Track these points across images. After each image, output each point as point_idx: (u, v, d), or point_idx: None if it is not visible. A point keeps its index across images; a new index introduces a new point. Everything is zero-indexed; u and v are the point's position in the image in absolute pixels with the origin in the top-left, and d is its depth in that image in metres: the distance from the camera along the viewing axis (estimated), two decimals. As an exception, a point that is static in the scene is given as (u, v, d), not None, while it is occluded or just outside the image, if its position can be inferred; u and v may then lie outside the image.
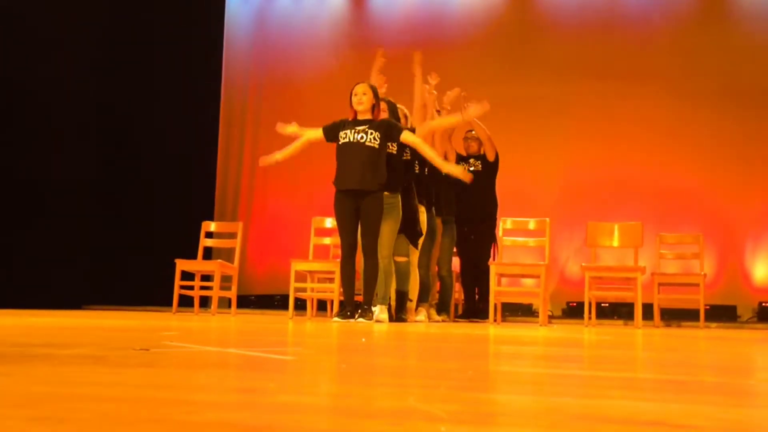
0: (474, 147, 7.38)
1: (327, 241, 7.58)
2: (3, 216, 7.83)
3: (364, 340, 3.42)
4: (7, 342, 2.63)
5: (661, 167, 8.81)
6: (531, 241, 7.15)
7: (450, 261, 7.08)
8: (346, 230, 5.81)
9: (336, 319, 5.74)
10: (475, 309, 7.18)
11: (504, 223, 7.12)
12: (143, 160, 9.51)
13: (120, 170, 9.40)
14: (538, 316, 7.04)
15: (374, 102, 5.87)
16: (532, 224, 7.11)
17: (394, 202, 5.91)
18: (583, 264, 7.01)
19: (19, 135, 8.06)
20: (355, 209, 5.74)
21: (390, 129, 5.80)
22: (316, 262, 7.19)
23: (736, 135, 8.71)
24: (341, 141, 5.79)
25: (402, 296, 6.23)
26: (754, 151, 8.68)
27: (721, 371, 2.27)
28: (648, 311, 6.88)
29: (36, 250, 8.06)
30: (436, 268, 6.94)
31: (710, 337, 4.83)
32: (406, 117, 6.60)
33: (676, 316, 7.66)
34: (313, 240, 7.50)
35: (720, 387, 1.77)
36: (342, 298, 6.11)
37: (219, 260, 7.49)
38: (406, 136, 5.75)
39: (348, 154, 5.72)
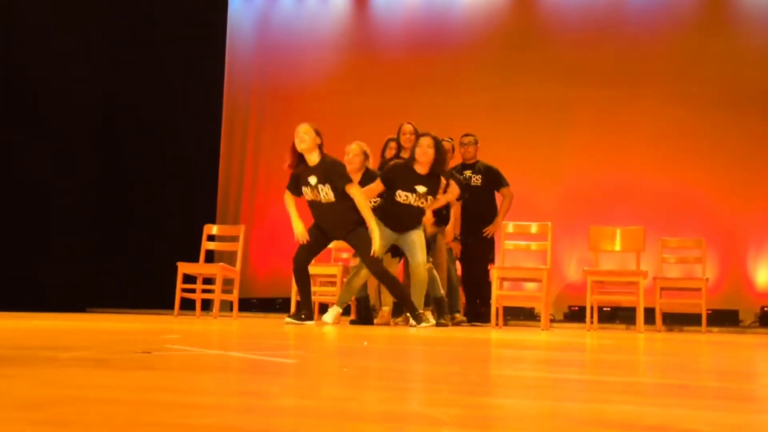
0: (471, 152, 7.41)
1: (329, 245, 7.58)
2: (5, 218, 7.83)
3: (366, 343, 3.42)
4: (10, 345, 2.63)
5: (664, 172, 8.81)
6: (533, 245, 7.15)
7: (454, 265, 7.09)
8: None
9: (289, 320, 5.76)
10: (477, 313, 7.20)
11: (506, 227, 7.12)
12: (145, 163, 9.51)
13: (122, 173, 9.39)
14: (539, 320, 7.03)
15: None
16: (534, 228, 7.10)
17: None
18: (585, 268, 7.01)
19: (21, 137, 8.06)
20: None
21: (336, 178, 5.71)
22: (317, 266, 7.19)
23: (738, 140, 8.70)
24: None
25: (440, 302, 6.25)
26: (757, 156, 8.67)
27: (723, 376, 2.27)
28: (650, 316, 6.88)
29: (38, 252, 8.07)
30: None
31: (712, 342, 4.83)
32: (453, 149, 6.92)
33: (678, 320, 7.65)
34: (315, 243, 7.49)
35: (722, 392, 1.77)
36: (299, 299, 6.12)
37: (221, 263, 7.50)
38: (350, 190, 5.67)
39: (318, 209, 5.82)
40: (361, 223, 5.64)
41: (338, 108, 9.74)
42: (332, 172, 5.65)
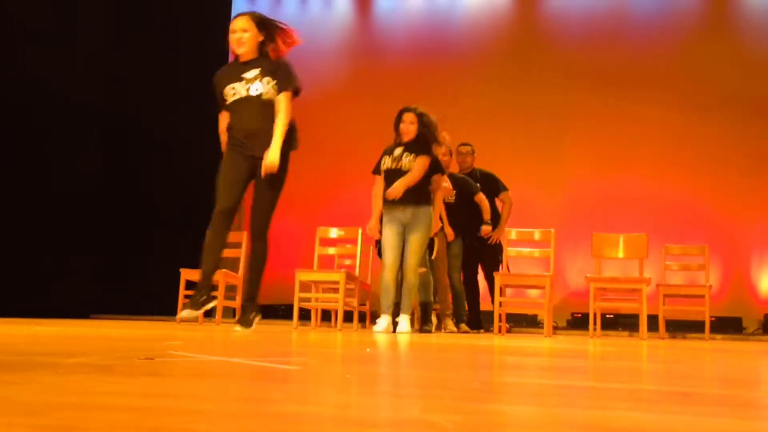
0: (468, 161, 7.42)
1: (332, 251, 7.59)
2: (8, 224, 7.83)
3: (368, 350, 3.42)
4: (13, 350, 2.63)
5: (667, 178, 8.81)
6: (536, 252, 7.15)
7: (459, 271, 7.09)
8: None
9: (185, 313, 4.58)
10: (478, 320, 7.22)
11: (509, 234, 7.12)
12: (149, 169, 9.52)
13: (125, 179, 9.41)
14: (542, 327, 7.02)
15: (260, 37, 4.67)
16: (537, 235, 7.11)
17: (426, 212, 5.94)
18: (588, 275, 7.00)
19: (23, 142, 8.04)
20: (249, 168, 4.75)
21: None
22: (320, 273, 7.20)
23: (742, 147, 8.70)
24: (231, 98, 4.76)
25: (426, 307, 6.26)
26: (760, 162, 8.67)
27: (727, 383, 2.27)
28: (653, 323, 6.87)
29: (42, 259, 8.07)
30: (448, 279, 6.96)
31: (715, 349, 4.82)
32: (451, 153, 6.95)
33: (681, 327, 7.64)
34: (318, 250, 7.51)
35: (725, 399, 1.76)
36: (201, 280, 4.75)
37: (224, 270, 7.49)
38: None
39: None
40: (286, 151, 4.67)
41: (340, 115, 9.75)
42: (284, 69, 4.64)
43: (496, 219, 7.37)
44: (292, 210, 10.07)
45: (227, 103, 4.76)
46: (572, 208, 8.95)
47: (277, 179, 4.69)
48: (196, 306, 4.52)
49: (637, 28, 9.31)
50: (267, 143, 4.55)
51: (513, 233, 7.14)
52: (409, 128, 5.89)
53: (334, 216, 8.64)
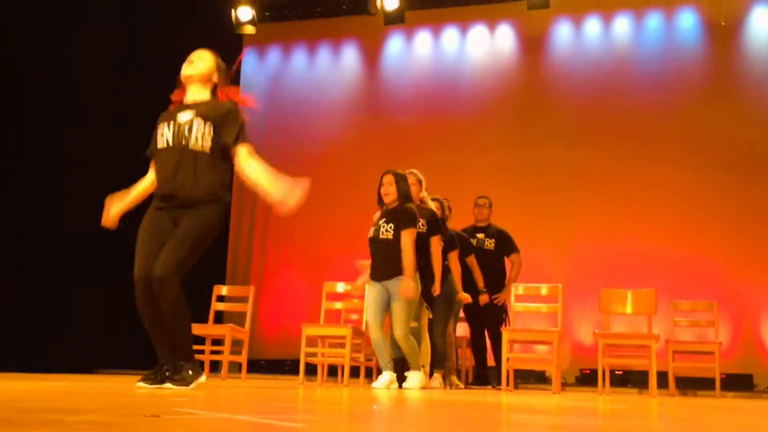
0: (485, 214, 7.43)
1: (339, 305, 7.57)
2: (10, 279, 7.80)
3: (376, 407, 3.39)
4: (17, 407, 2.62)
5: (675, 234, 8.80)
6: (543, 307, 7.12)
7: (455, 325, 7.07)
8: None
9: (141, 385, 4.02)
10: (485, 376, 7.17)
11: (516, 289, 7.10)
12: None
13: (129, 230, 9.39)
14: (551, 384, 6.96)
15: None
16: (544, 290, 7.08)
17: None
18: (596, 331, 6.95)
19: (25, 143, 7.99)
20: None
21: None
22: (327, 327, 7.17)
23: (748, 204, 8.70)
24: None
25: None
26: (767, 219, 8.66)
27: (738, 443, 2.23)
28: (663, 379, 6.80)
29: (45, 313, 8.04)
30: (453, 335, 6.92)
31: (727, 407, 4.76)
32: (450, 209, 6.93)
33: (691, 384, 7.56)
34: (325, 305, 7.49)
35: (737, 460, 1.74)
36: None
37: (230, 324, 7.48)
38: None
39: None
40: (220, 200, 4.15)
41: (348, 170, 9.81)
42: (227, 114, 3.98)
43: (502, 278, 7.35)
44: (299, 265, 10.08)
45: (156, 149, 4.01)
46: (580, 263, 8.93)
47: (198, 237, 4.06)
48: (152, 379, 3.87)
49: (642, 86, 9.39)
50: (197, 191, 3.89)
51: (520, 288, 7.12)
52: (388, 190, 5.95)
53: (341, 271, 8.64)
